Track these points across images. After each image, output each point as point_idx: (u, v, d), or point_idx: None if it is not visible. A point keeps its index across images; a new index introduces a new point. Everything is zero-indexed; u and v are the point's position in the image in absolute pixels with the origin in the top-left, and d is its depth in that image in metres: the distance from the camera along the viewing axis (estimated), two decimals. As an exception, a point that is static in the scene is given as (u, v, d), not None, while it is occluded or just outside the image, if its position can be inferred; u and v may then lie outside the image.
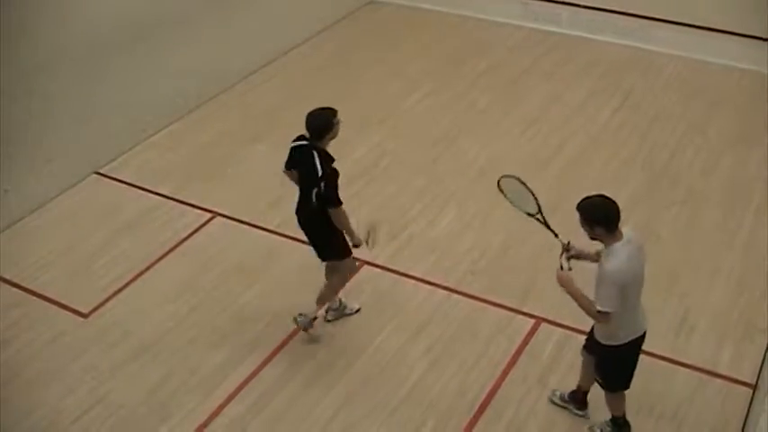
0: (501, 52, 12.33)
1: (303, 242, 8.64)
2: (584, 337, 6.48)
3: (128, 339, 7.69)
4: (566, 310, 7.25)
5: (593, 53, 12.14)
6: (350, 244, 7.21)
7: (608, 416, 6.54)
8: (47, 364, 7.45)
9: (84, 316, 7.97)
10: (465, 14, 13.22)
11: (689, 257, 8.37)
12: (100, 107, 9.81)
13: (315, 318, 7.53)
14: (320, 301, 7.51)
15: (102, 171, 9.98)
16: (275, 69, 12.06)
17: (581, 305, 5.77)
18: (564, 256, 6.01)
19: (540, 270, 8.13)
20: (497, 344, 7.49)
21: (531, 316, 7.69)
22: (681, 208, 9.04)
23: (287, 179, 7.31)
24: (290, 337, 7.63)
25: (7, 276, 8.44)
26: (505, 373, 7.19)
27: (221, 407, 7.02)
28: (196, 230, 9.00)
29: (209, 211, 9.23)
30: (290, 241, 8.71)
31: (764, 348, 7.32)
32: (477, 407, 6.90)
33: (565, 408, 6.83)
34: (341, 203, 6.94)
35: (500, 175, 6.51)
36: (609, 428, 6.59)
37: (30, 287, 8.32)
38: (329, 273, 7.52)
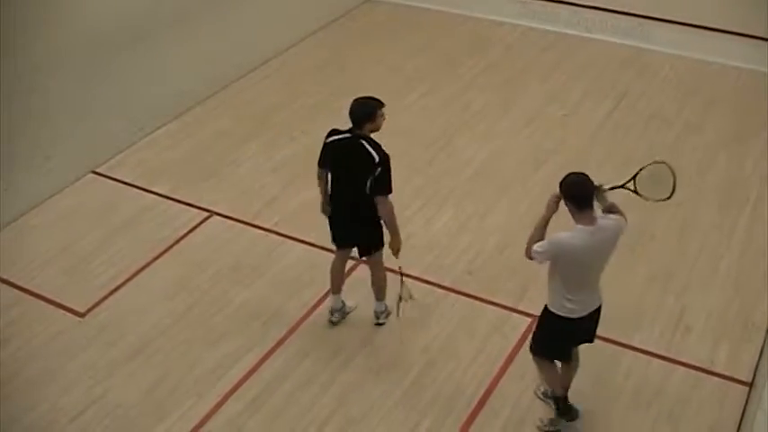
0: (498, 51, 12.34)
1: (299, 241, 8.72)
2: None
3: (125, 338, 7.69)
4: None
5: (591, 52, 12.15)
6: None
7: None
8: (44, 364, 7.44)
9: (81, 315, 7.97)
10: (462, 13, 13.22)
11: (685, 256, 8.39)
12: (97, 106, 9.81)
13: (387, 311, 7.67)
14: (381, 294, 7.63)
15: (99, 170, 9.97)
16: (272, 68, 12.06)
17: (531, 235, 6.00)
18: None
19: (537, 269, 8.12)
20: (494, 342, 7.50)
21: (528, 314, 7.69)
22: (677, 207, 9.02)
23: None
24: (288, 335, 7.63)
25: (4, 275, 8.44)
26: (502, 371, 7.20)
27: (218, 405, 7.02)
28: (193, 229, 8.99)
29: (206, 210, 9.23)
30: (287, 240, 8.72)
31: (761, 346, 7.34)
32: (474, 404, 6.91)
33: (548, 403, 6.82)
34: (392, 191, 6.97)
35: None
36: (553, 414, 6.64)
37: (26, 286, 8.31)
38: (372, 267, 7.53)
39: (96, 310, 8.03)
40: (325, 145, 7.10)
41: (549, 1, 12.65)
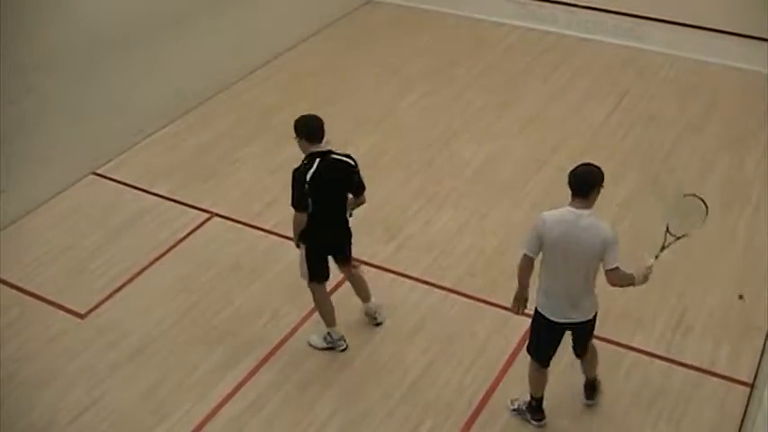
0: (498, 52, 12.34)
1: (300, 242, 8.69)
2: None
3: (125, 340, 7.69)
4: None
5: (590, 53, 12.15)
6: None
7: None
8: (44, 365, 7.44)
9: (81, 316, 7.97)
10: (462, 14, 13.22)
11: (686, 257, 8.36)
12: (97, 107, 9.80)
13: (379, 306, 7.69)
14: (368, 292, 7.66)
15: (99, 171, 9.97)
16: (273, 69, 12.06)
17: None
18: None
19: (537, 270, 8.13)
20: (495, 344, 7.49)
21: (528, 316, 7.64)
22: (678, 208, 9.04)
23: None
24: (288, 336, 7.63)
25: (4, 277, 8.43)
26: (503, 372, 7.19)
27: (218, 407, 7.01)
28: (193, 231, 8.99)
29: (207, 212, 9.23)
30: (287, 241, 8.68)
31: (761, 347, 7.34)
32: (474, 406, 6.91)
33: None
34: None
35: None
36: (524, 406, 6.71)
37: (27, 287, 8.31)
38: (353, 270, 7.55)
39: (97, 311, 8.03)
40: (310, 181, 6.66)
41: (549, 2, 12.65)
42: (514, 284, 8.00)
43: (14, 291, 8.28)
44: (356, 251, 8.43)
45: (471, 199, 9.30)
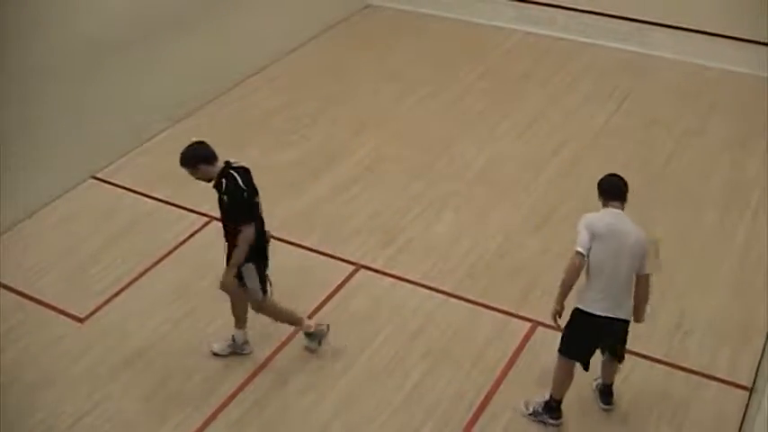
0: (497, 56, 12.35)
1: (298, 245, 8.71)
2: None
3: (124, 344, 7.67)
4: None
5: (590, 57, 12.16)
6: None
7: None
8: (44, 369, 7.42)
9: (81, 321, 7.96)
10: (462, 18, 13.23)
11: (686, 260, 8.37)
12: (96, 111, 9.80)
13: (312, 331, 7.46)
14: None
15: (98, 175, 9.97)
16: (272, 73, 12.06)
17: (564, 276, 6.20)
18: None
19: (537, 274, 8.15)
20: (495, 347, 7.48)
21: (528, 320, 7.69)
22: (678, 211, 9.04)
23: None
24: (287, 340, 7.62)
25: (4, 281, 8.42)
26: (503, 375, 7.18)
27: (217, 412, 6.99)
28: (192, 235, 8.99)
29: (206, 216, 9.21)
30: (286, 245, 8.70)
31: (761, 351, 7.33)
32: (474, 410, 6.89)
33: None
34: None
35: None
36: (539, 408, 6.71)
37: (26, 292, 8.29)
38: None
39: (96, 315, 8.02)
40: (243, 197, 6.70)
41: (548, 6, 12.66)
42: (515, 289, 8.07)
43: (14, 295, 8.26)
44: (356, 255, 8.48)
45: (471, 202, 9.30)
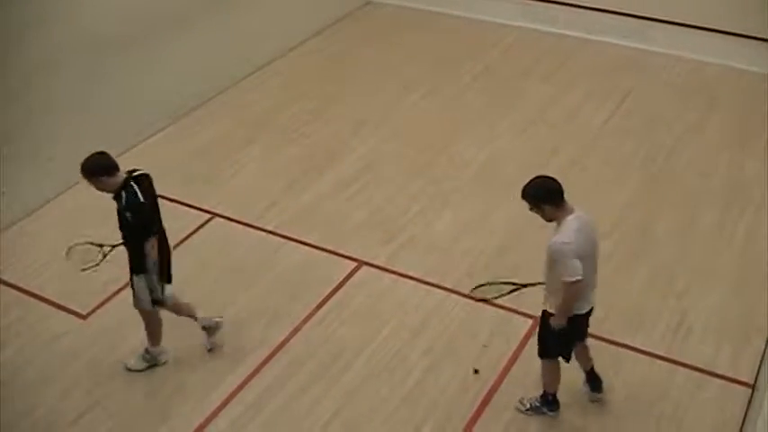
0: (498, 53, 12.34)
1: (301, 242, 8.73)
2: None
3: (126, 341, 7.67)
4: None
5: (591, 54, 12.16)
6: None
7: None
8: (45, 366, 7.43)
9: (83, 317, 7.97)
10: (462, 15, 13.23)
11: (687, 258, 8.38)
12: (99, 108, 9.80)
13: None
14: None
15: (100, 172, 9.96)
16: (274, 70, 12.06)
17: (565, 305, 6.07)
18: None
19: (537, 271, 8.13)
20: (496, 344, 7.49)
21: (529, 316, 7.69)
22: (678, 209, 9.05)
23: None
24: (289, 337, 7.63)
25: (6, 278, 8.43)
26: (505, 372, 7.19)
27: (219, 409, 7.01)
28: (194, 231, 8.99)
29: (208, 212, 9.23)
30: (288, 242, 8.73)
31: (763, 348, 7.34)
32: (476, 407, 6.91)
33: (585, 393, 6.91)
34: None
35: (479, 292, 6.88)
36: (537, 403, 6.76)
37: (28, 288, 8.31)
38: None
39: (98, 312, 8.03)
40: (144, 210, 6.66)
41: (550, 3, 12.66)
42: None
43: (16, 292, 8.28)
44: (357, 252, 8.48)
45: (472, 200, 9.31)
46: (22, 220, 9.23)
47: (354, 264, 8.42)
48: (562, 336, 6.31)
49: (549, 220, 6.02)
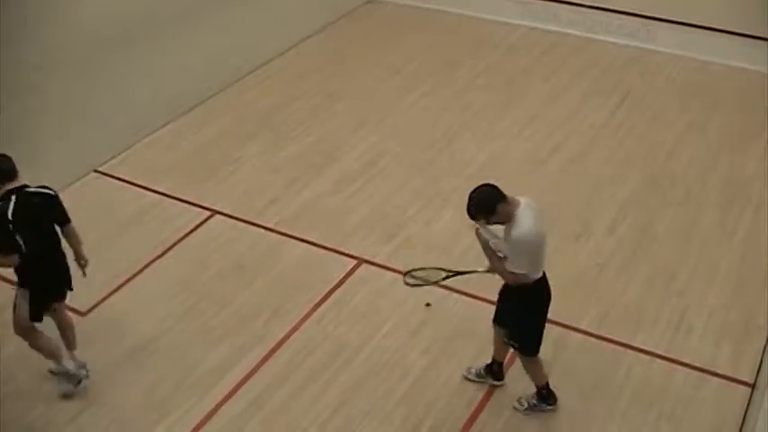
0: (499, 52, 12.33)
1: (301, 240, 8.72)
2: (579, 332, 6.51)
3: (125, 337, 7.68)
4: (561, 310, 7.28)
5: (592, 52, 12.14)
6: None
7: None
8: (45, 363, 7.42)
9: (82, 314, 7.95)
10: (464, 13, 13.21)
11: (687, 257, 8.38)
12: (99, 105, 9.80)
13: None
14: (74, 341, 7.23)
15: (101, 169, 9.97)
16: (274, 68, 12.06)
17: (494, 266, 6.17)
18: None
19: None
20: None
21: (530, 315, 7.68)
22: (679, 208, 9.04)
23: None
24: (289, 335, 7.63)
25: (4, 274, 8.42)
26: (504, 371, 7.18)
27: (219, 405, 7.01)
28: (195, 228, 8.99)
29: (208, 209, 9.23)
30: (289, 239, 8.72)
31: (762, 347, 7.34)
32: (475, 405, 6.90)
33: (483, 382, 7.01)
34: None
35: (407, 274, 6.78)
36: (534, 400, 6.78)
37: (28, 285, 8.29)
38: (65, 311, 7.20)
39: (98, 309, 8.02)
40: (12, 219, 6.36)
41: (551, 1, 12.64)
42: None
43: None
44: (357, 250, 8.47)
45: (473, 198, 9.29)
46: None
47: (354, 261, 8.41)
48: (538, 327, 6.42)
49: (505, 221, 6.03)
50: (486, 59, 12.11)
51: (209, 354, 7.49)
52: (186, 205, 9.32)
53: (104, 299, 8.12)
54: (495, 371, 6.98)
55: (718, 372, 7.13)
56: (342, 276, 8.24)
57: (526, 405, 6.80)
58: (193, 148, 10.37)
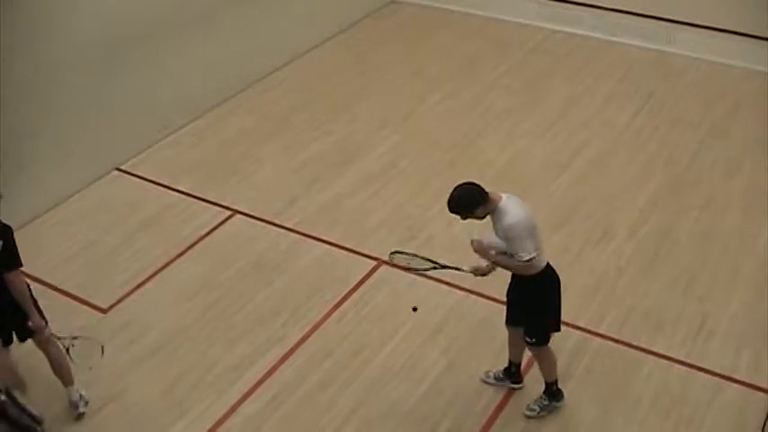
0: (522, 54, 12.30)
1: (320, 240, 8.75)
2: (599, 336, 6.48)
3: (146, 335, 7.73)
4: (581, 314, 7.26)
5: (615, 55, 12.09)
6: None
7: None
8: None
9: (104, 311, 8.02)
10: (486, 15, 13.18)
11: (708, 262, 8.32)
12: (121, 104, 9.86)
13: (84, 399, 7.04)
14: (68, 376, 6.99)
15: (123, 167, 10.03)
16: (296, 68, 12.08)
17: (506, 265, 6.21)
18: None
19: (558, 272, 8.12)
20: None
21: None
22: (701, 212, 8.98)
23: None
24: (308, 335, 7.65)
25: (28, 271, 8.44)
26: (523, 372, 7.16)
27: (237, 404, 7.04)
28: (215, 228, 9.03)
29: (229, 209, 9.26)
30: (308, 239, 8.74)
31: (784, 354, 7.29)
32: (493, 407, 6.89)
33: (502, 386, 6.99)
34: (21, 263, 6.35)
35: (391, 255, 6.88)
36: (545, 401, 6.77)
37: (50, 282, 8.35)
38: (46, 347, 6.85)
39: (119, 306, 8.08)
40: None
41: (574, 4, 12.60)
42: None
43: (38, 285, 8.30)
44: (377, 251, 8.45)
45: (493, 200, 9.27)
46: (45, 213, 9.30)
47: (374, 262, 8.42)
48: (553, 314, 6.41)
49: (485, 215, 6.16)
50: (509, 61, 12.08)
51: (228, 352, 7.52)
52: (207, 204, 9.36)
53: (125, 297, 8.18)
54: (513, 373, 6.98)
55: (738, 378, 7.08)
56: (362, 277, 8.25)
57: (538, 409, 6.78)
58: (215, 147, 10.41)
